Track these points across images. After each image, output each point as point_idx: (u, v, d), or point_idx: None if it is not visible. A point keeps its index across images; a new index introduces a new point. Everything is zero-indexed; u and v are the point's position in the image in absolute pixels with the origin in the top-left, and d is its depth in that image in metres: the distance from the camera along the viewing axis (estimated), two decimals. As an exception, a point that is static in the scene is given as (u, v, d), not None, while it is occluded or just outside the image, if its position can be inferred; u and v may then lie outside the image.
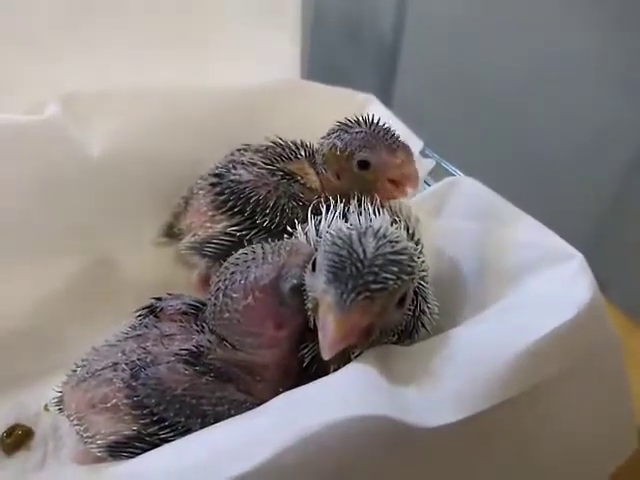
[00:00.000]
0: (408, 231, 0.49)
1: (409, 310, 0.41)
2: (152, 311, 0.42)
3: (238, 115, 0.64)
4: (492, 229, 0.51)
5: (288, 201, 0.52)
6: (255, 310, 0.37)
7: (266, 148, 0.56)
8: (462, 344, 0.36)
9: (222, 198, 0.53)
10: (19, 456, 0.44)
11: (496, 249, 0.49)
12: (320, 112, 0.64)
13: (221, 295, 0.38)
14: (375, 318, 0.35)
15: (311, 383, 0.33)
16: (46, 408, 0.45)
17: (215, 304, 0.38)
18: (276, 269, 0.37)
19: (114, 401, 0.38)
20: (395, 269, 0.34)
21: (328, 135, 0.51)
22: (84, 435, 0.39)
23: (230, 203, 0.52)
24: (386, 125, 0.50)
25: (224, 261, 0.51)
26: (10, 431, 0.45)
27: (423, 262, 0.47)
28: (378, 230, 0.36)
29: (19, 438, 0.44)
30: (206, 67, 0.71)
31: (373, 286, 0.33)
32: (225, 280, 0.38)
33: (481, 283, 0.49)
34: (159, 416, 0.36)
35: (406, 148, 0.49)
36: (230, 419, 0.34)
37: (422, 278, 0.45)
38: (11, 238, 0.54)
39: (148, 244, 0.62)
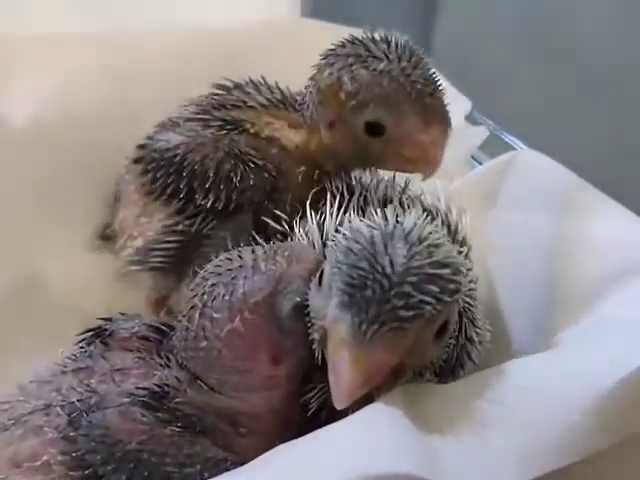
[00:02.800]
0: (449, 228, 0.48)
1: (451, 338, 0.40)
2: (99, 336, 0.42)
3: (212, 65, 0.64)
4: (565, 223, 0.51)
5: (235, 164, 0.47)
6: (244, 337, 0.37)
7: (208, 96, 0.53)
8: (522, 383, 0.35)
9: (148, 178, 0.50)
10: None
11: (570, 252, 0.49)
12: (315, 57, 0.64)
13: (197, 316, 0.37)
14: (406, 355, 0.34)
15: (317, 431, 0.33)
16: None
17: (187, 328, 0.38)
18: (272, 282, 0.37)
19: (45, 458, 0.37)
20: (434, 288, 0.33)
21: (334, 55, 0.45)
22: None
23: (158, 184, 0.49)
24: (431, 70, 0.44)
25: (179, 271, 0.51)
26: None
27: (470, 270, 0.46)
28: (410, 231, 0.34)
29: None
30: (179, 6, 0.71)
31: (404, 313, 0.32)
32: (203, 295, 0.38)
33: (548, 300, 0.49)
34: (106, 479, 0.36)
35: (445, 120, 0.45)
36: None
37: (469, 294, 0.44)
38: None
39: (81, 248, 0.62)
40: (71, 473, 0.37)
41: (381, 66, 0.43)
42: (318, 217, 0.45)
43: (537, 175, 0.53)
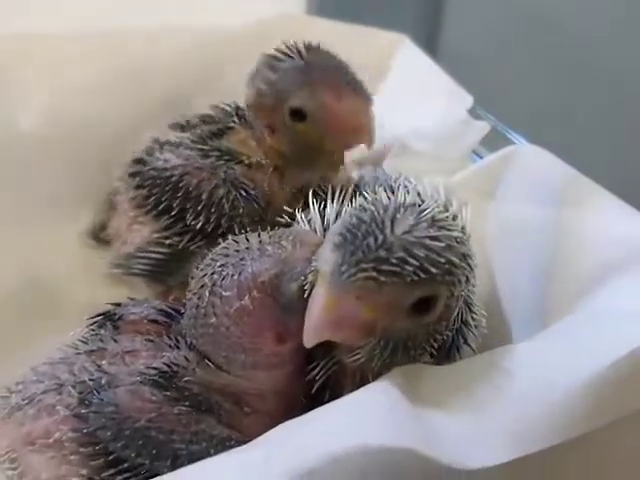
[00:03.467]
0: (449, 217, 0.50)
1: (445, 323, 0.41)
2: (109, 319, 0.44)
3: (216, 65, 0.66)
4: (564, 217, 0.52)
5: (228, 191, 0.51)
6: (251, 315, 0.38)
7: (202, 118, 0.56)
8: (516, 365, 0.36)
9: (143, 192, 0.53)
10: None
11: (568, 245, 0.50)
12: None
13: (207, 294, 0.39)
14: (379, 315, 0.35)
15: (317, 409, 0.34)
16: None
17: (197, 305, 0.39)
18: (278, 263, 0.38)
19: (57, 435, 0.39)
20: (424, 258, 0.34)
21: (251, 78, 0.50)
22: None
23: (152, 200, 0.52)
24: (333, 55, 0.48)
25: (160, 281, 0.54)
26: None
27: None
28: (426, 209, 0.36)
29: None
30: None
31: (384, 267, 0.33)
32: (212, 274, 0.39)
33: (545, 290, 0.50)
34: (116, 455, 0.37)
35: (362, 91, 0.48)
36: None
37: (468, 281, 0.45)
38: None
39: (79, 245, 0.64)
40: (81, 449, 0.39)
41: (287, 64, 0.48)
42: (320, 206, 0.46)
43: (536, 169, 0.54)
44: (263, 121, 0.51)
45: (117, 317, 0.44)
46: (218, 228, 0.51)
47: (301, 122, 0.49)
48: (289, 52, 0.48)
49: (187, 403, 0.38)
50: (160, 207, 0.52)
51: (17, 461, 0.41)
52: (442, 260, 0.35)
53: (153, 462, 0.37)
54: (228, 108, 0.57)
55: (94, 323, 0.44)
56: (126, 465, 0.37)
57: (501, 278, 0.53)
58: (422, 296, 0.35)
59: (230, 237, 0.43)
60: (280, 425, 0.34)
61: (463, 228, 0.50)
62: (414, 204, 0.37)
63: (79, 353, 0.42)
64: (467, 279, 0.44)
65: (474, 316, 0.45)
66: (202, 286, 0.39)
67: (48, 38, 0.61)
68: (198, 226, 0.51)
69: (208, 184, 0.51)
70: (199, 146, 0.54)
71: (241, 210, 0.51)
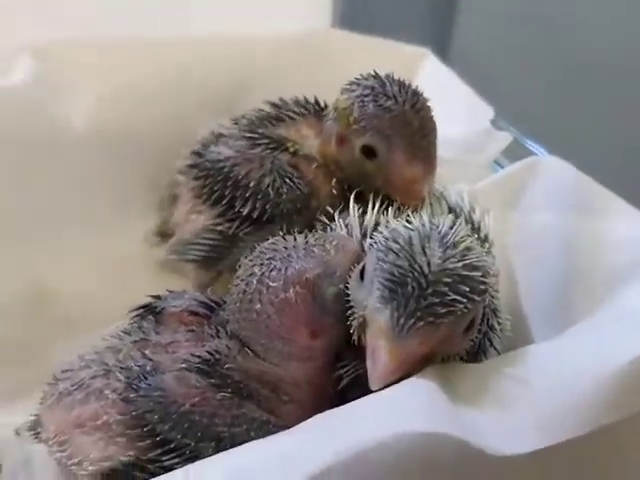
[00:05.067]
0: (472, 226, 0.52)
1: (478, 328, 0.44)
2: (151, 312, 0.47)
3: (251, 76, 0.69)
4: (583, 224, 0.54)
5: (274, 180, 0.55)
6: (292, 308, 0.41)
7: (258, 112, 0.60)
8: (541, 362, 0.39)
9: (200, 183, 0.58)
10: None
11: (587, 250, 0.53)
12: (356, 72, 0.69)
13: (254, 282, 0.42)
14: (437, 345, 0.38)
15: (357, 400, 0.37)
16: (17, 433, 0.49)
17: (245, 291, 0.42)
18: (321, 265, 0.41)
19: (105, 418, 0.42)
20: (466, 289, 0.37)
21: (356, 84, 0.52)
22: (69, 463, 0.43)
23: (207, 189, 0.57)
24: (429, 113, 0.51)
25: (211, 267, 0.58)
26: None
27: (493, 265, 0.50)
28: (446, 235, 0.38)
29: None
30: (213, 16, 0.76)
31: (439, 310, 0.36)
32: (261, 265, 0.42)
33: (566, 294, 0.52)
34: (162, 437, 0.40)
35: (428, 161, 0.51)
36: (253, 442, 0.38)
37: (492, 286, 0.48)
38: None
39: (139, 244, 0.67)
40: (128, 431, 0.41)
41: (387, 104, 0.50)
42: (359, 212, 0.49)
43: (556, 179, 0.57)
44: (338, 130, 0.53)
45: (158, 309, 0.47)
46: (264, 214, 0.55)
47: (367, 159, 0.52)
48: (398, 92, 0.50)
49: (229, 389, 0.41)
50: (214, 196, 0.57)
51: (66, 444, 0.44)
52: (479, 284, 0.38)
53: (197, 443, 0.40)
54: (297, 101, 0.60)
55: (136, 316, 0.47)
56: (172, 446, 0.40)
57: (523, 284, 0.56)
58: (470, 319, 0.39)
59: (276, 226, 0.48)
60: (321, 414, 0.37)
61: (486, 236, 0.53)
62: (431, 229, 0.39)
63: (124, 343, 0.45)
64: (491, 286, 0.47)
65: (499, 320, 0.48)
66: (251, 274, 0.42)
67: (108, 41, 0.65)
68: (245, 212, 0.55)
69: (256, 173, 0.55)
70: (248, 135, 0.58)
71: (284, 196, 0.55)
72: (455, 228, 0.39)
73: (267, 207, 0.55)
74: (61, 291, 0.64)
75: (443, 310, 0.36)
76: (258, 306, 0.42)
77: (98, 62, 0.64)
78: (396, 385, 0.37)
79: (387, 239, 0.39)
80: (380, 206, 0.50)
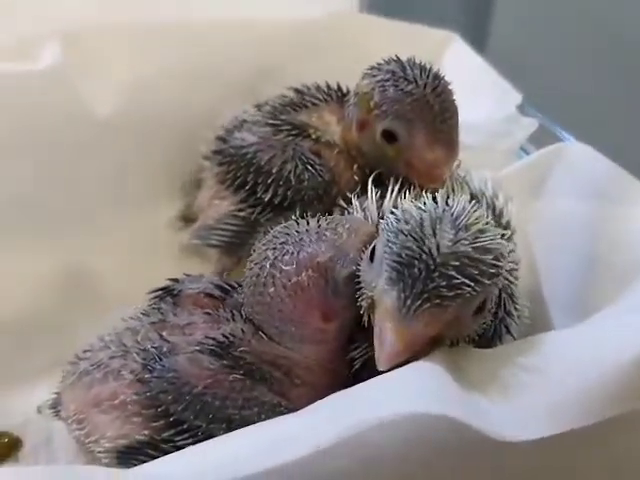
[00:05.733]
0: (494, 212, 0.52)
1: (489, 313, 0.43)
2: (169, 294, 0.47)
3: (276, 60, 0.69)
4: (608, 212, 0.53)
5: (296, 166, 0.55)
6: (305, 291, 0.41)
7: (281, 98, 0.60)
8: (555, 350, 0.38)
9: (223, 169, 0.58)
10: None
11: (612, 239, 0.52)
12: (381, 56, 0.69)
13: (268, 265, 0.42)
14: (445, 328, 0.38)
15: (366, 382, 0.37)
16: (39, 411, 0.51)
17: (258, 275, 0.43)
18: (333, 248, 0.41)
19: (122, 397, 0.43)
20: (475, 272, 0.36)
21: (377, 69, 0.52)
22: (86, 441, 0.45)
23: (230, 175, 0.57)
24: (451, 97, 0.50)
25: (233, 252, 0.58)
26: None
27: (512, 252, 0.50)
28: (459, 216, 0.38)
29: (5, 449, 0.51)
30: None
31: (445, 292, 0.36)
32: (274, 249, 0.43)
33: (588, 283, 0.52)
34: (176, 418, 0.41)
35: (449, 145, 0.50)
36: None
37: (510, 272, 0.48)
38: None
39: (164, 228, 0.68)
40: (143, 411, 0.42)
41: (408, 88, 0.50)
42: (377, 195, 0.49)
43: (583, 166, 0.56)
44: (359, 115, 0.53)
45: (176, 292, 0.47)
46: (285, 201, 0.56)
47: (388, 143, 0.52)
48: (419, 76, 0.50)
49: (241, 372, 0.42)
50: (236, 182, 0.58)
51: (84, 422, 0.45)
52: (490, 268, 0.37)
53: (209, 425, 0.41)
54: (315, 86, 0.60)
55: (155, 297, 0.48)
56: (185, 427, 0.41)
57: (545, 271, 0.55)
58: (480, 302, 0.38)
59: (296, 212, 0.47)
60: (329, 396, 0.37)
61: (508, 223, 0.52)
62: (444, 211, 0.38)
63: (142, 324, 0.45)
64: (509, 272, 0.46)
65: (517, 307, 0.47)
66: (264, 258, 0.43)
67: (131, 26, 0.66)
68: (267, 198, 0.56)
69: (278, 160, 0.56)
70: (271, 121, 0.58)
71: (305, 183, 0.55)
72: (468, 210, 0.39)
73: (288, 193, 0.55)
74: (90, 272, 0.65)
75: (450, 293, 0.36)
76: (271, 290, 0.42)
77: (127, 47, 0.65)
78: (403, 367, 0.37)
79: (398, 220, 0.38)
80: (400, 190, 0.49)
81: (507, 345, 0.41)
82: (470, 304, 0.37)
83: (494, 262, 0.37)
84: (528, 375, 0.36)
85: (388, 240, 0.38)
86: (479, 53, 0.74)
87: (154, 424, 0.42)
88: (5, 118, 0.59)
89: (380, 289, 0.38)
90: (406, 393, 0.34)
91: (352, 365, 0.44)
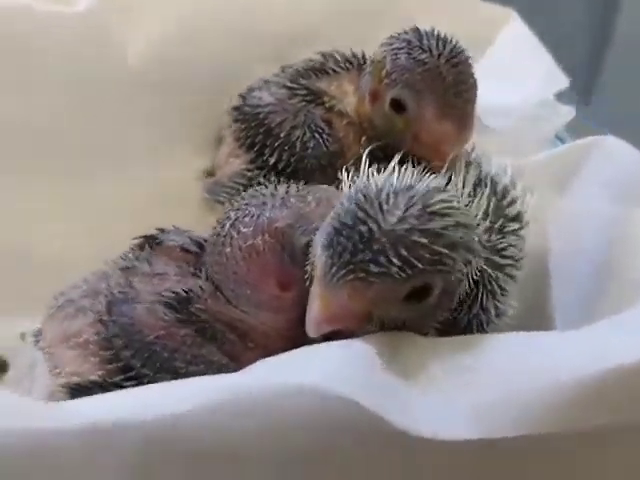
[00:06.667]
0: (501, 201, 0.49)
1: (462, 305, 0.42)
2: (150, 243, 0.47)
3: (314, 24, 0.67)
4: (635, 214, 0.49)
5: (304, 133, 0.54)
6: (260, 256, 0.40)
7: (307, 62, 0.59)
8: (505, 353, 0.36)
9: (239, 126, 0.58)
10: None
11: (632, 247, 0.48)
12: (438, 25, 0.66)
13: (228, 225, 0.42)
14: (372, 306, 0.36)
15: (293, 350, 0.36)
16: (22, 337, 0.53)
17: (218, 234, 0.42)
18: (294, 216, 0.40)
19: (85, 336, 0.44)
20: (411, 255, 0.34)
21: (395, 38, 0.50)
22: (51, 373, 0.46)
23: (243, 133, 0.57)
24: (468, 72, 0.48)
25: None
26: None
27: (512, 247, 0.47)
28: (414, 194, 0.36)
29: None
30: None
31: (371, 268, 0.34)
32: (237, 210, 0.42)
33: (600, 288, 0.48)
34: (125, 363, 0.42)
35: (463, 121, 0.48)
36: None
37: (501, 268, 0.45)
38: (31, 150, 0.62)
39: (193, 181, 0.68)
40: (101, 352, 0.43)
41: (421, 56, 0.48)
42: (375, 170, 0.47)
43: (616, 165, 0.51)
44: (371, 85, 0.52)
45: (157, 241, 0.47)
46: (288, 167, 0.55)
47: (397, 113, 0.50)
48: (435, 46, 0.48)
49: (194, 328, 0.42)
50: (247, 141, 0.58)
51: (54, 355, 0.46)
52: (429, 253, 0.35)
53: (156, 374, 0.41)
54: (340, 54, 0.59)
55: (138, 244, 0.48)
56: (133, 373, 0.41)
57: (554, 271, 0.52)
58: (413, 288, 0.36)
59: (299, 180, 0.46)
60: (262, 360, 0.36)
61: (517, 215, 0.49)
62: (408, 188, 0.36)
63: (118, 268, 0.46)
64: (498, 268, 0.43)
65: (498, 304, 0.45)
66: (227, 218, 0.42)
67: None
68: (272, 162, 0.55)
69: (288, 124, 0.55)
70: (289, 84, 0.57)
71: (309, 151, 0.54)
72: (431, 189, 0.37)
73: (292, 160, 0.55)
74: (116, 218, 0.66)
75: (376, 269, 0.34)
76: (228, 250, 0.41)
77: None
78: (335, 341, 0.36)
79: (357, 189, 0.37)
80: (400, 166, 0.47)
81: (457, 339, 0.39)
82: (400, 286, 0.35)
83: (443, 250, 0.35)
84: (467, 373, 0.34)
85: (338, 206, 0.37)
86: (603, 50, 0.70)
87: (107, 366, 0.42)
88: (40, 57, 0.61)
89: (316, 253, 0.37)
90: (322, 368, 0.32)
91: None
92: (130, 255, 0.47)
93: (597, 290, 0.48)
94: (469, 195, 0.47)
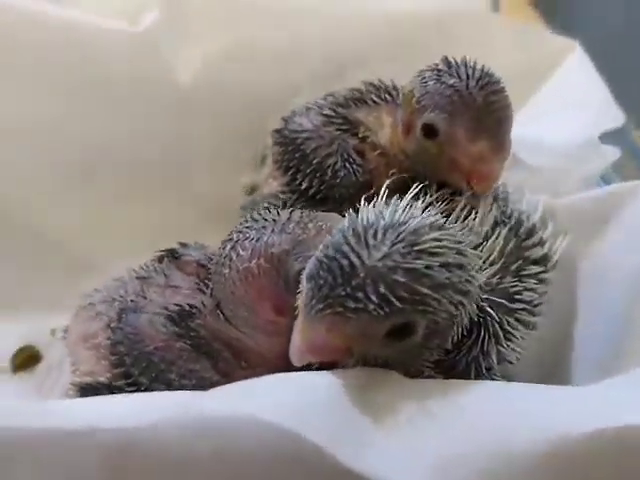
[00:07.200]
0: (525, 240, 0.48)
1: (460, 346, 0.41)
2: (172, 256, 0.49)
3: (368, 51, 0.67)
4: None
5: (336, 162, 0.54)
6: (255, 280, 0.41)
7: (350, 91, 0.58)
8: (491, 402, 0.35)
9: (278, 149, 0.58)
10: (22, 377, 0.57)
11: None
12: (490, 58, 0.64)
13: (229, 246, 0.43)
14: (352, 341, 0.36)
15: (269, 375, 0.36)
16: (52, 333, 0.56)
17: (221, 254, 0.44)
18: (292, 242, 0.41)
19: (99, 339, 0.46)
20: (390, 293, 0.34)
21: (425, 69, 0.50)
22: (71, 369, 0.49)
23: (281, 157, 0.58)
24: (500, 95, 0.47)
25: None
26: (21, 350, 0.59)
27: (529, 291, 0.46)
28: (407, 232, 0.35)
29: (26, 360, 0.59)
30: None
31: (349, 303, 0.34)
32: (239, 232, 0.43)
33: (617, 347, 0.45)
34: (126, 370, 0.44)
35: (498, 139, 0.46)
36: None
37: (510, 312, 0.44)
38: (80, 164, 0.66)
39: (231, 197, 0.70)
40: (110, 356, 0.45)
41: (450, 81, 0.47)
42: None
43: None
44: (404, 115, 0.52)
45: (177, 255, 0.49)
46: (318, 193, 0.55)
47: (428, 138, 0.49)
48: (464, 71, 0.47)
49: (189, 342, 0.43)
50: (284, 164, 0.58)
51: (74, 353, 0.49)
52: (410, 292, 0.34)
53: (151, 383, 0.43)
54: (382, 85, 0.59)
55: (160, 257, 0.50)
56: (131, 380, 0.43)
57: (575, 318, 0.49)
58: (393, 326, 0.35)
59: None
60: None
61: (543, 258, 0.48)
62: (400, 224, 0.36)
63: (137, 277, 0.48)
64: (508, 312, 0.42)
65: (501, 349, 0.43)
66: (229, 239, 0.43)
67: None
68: (303, 187, 0.56)
69: (322, 151, 0.55)
70: (327, 112, 0.57)
71: (339, 180, 0.54)
72: (426, 226, 0.36)
73: (322, 187, 0.55)
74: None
75: (352, 305, 0.34)
76: (227, 271, 0.42)
77: (221, 19, 0.67)
78: (305, 372, 0.36)
79: (352, 220, 0.37)
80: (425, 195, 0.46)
81: (440, 381, 0.38)
82: (379, 323, 0.35)
83: (425, 290, 0.34)
84: (436, 421, 0.33)
85: (328, 238, 0.37)
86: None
87: (114, 370, 0.45)
88: (97, 72, 0.64)
89: (303, 285, 0.37)
90: (280, 399, 0.33)
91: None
92: (149, 266, 0.49)
93: (614, 348, 0.46)
94: (486, 234, 0.46)
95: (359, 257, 0.34)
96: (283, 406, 0.32)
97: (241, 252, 0.42)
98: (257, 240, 0.41)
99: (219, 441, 0.30)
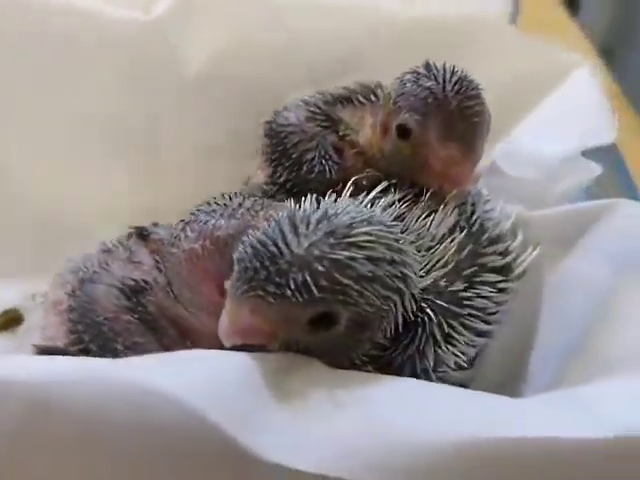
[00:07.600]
0: (486, 249, 0.48)
1: (397, 343, 0.42)
2: (140, 233, 0.51)
3: (371, 51, 0.68)
4: (634, 291, 0.45)
5: (313, 158, 0.55)
6: (199, 261, 0.42)
7: (342, 89, 0.59)
8: (402, 399, 0.35)
9: (266, 141, 0.60)
10: (5, 336, 0.60)
11: (622, 324, 0.44)
12: (492, 67, 0.64)
13: (180, 227, 0.44)
14: (276, 327, 0.36)
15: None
16: (33, 298, 0.59)
17: (172, 234, 0.45)
18: (239, 227, 0.42)
19: (63, 306, 0.48)
20: (311, 280, 0.34)
21: (406, 72, 0.51)
22: (41, 334, 0.51)
23: (267, 149, 0.59)
24: (477, 101, 0.47)
25: None
26: (5, 312, 0.62)
27: (481, 298, 0.46)
28: (341, 225, 0.36)
29: (8, 321, 0.61)
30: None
31: (269, 288, 0.35)
32: (192, 214, 0.44)
33: (566, 366, 0.45)
34: (79, 336, 0.46)
35: (469, 143, 0.47)
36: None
37: (456, 316, 0.44)
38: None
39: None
40: (68, 323, 0.47)
41: (427, 84, 0.48)
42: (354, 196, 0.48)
43: (624, 232, 0.47)
44: (382, 116, 0.53)
45: (147, 233, 0.51)
46: (294, 187, 0.56)
47: (402, 139, 0.50)
48: (442, 75, 0.48)
49: (137, 316, 0.45)
50: (269, 156, 0.60)
51: (46, 317, 0.51)
52: (330, 282, 0.35)
53: (99, 351, 0.45)
54: (372, 85, 0.59)
55: (130, 233, 0.52)
56: (82, 346, 0.45)
57: (538, 332, 0.49)
58: (315, 314, 0.36)
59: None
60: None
61: (504, 268, 0.47)
62: (336, 216, 0.36)
63: (103, 250, 0.51)
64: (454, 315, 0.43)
65: (439, 352, 0.43)
66: (183, 220, 0.45)
67: None
68: (281, 180, 0.57)
69: (302, 146, 0.57)
70: (312, 108, 0.59)
71: (313, 175, 0.55)
72: (358, 219, 0.37)
73: (298, 181, 0.56)
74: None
75: (272, 289, 0.35)
76: (175, 250, 0.44)
77: (230, 13, 0.68)
78: (228, 351, 0.36)
79: (291, 210, 0.38)
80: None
81: (360, 373, 0.38)
82: (301, 310, 0.35)
83: (346, 281, 0.35)
84: (342, 409, 0.33)
85: (266, 225, 0.38)
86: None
87: (70, 336, 0.47)
88: (103, 59, 0.66)
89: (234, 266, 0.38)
90: (191, 374, 0.33)
91: None
92: (116, 241, 0.51)
93: (570, 362, 0.45)
94: (442, 237, 0.46)
95: (287, 244, 0.35)
96: (194, 383, 0.32)
97: (189, 233, 0.43)
98: (205, 223, 0.42)
99: (128, 409, 0.31)
